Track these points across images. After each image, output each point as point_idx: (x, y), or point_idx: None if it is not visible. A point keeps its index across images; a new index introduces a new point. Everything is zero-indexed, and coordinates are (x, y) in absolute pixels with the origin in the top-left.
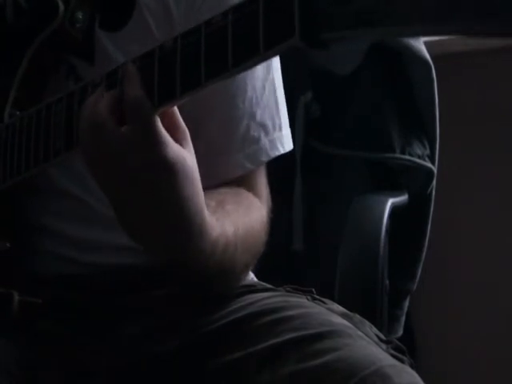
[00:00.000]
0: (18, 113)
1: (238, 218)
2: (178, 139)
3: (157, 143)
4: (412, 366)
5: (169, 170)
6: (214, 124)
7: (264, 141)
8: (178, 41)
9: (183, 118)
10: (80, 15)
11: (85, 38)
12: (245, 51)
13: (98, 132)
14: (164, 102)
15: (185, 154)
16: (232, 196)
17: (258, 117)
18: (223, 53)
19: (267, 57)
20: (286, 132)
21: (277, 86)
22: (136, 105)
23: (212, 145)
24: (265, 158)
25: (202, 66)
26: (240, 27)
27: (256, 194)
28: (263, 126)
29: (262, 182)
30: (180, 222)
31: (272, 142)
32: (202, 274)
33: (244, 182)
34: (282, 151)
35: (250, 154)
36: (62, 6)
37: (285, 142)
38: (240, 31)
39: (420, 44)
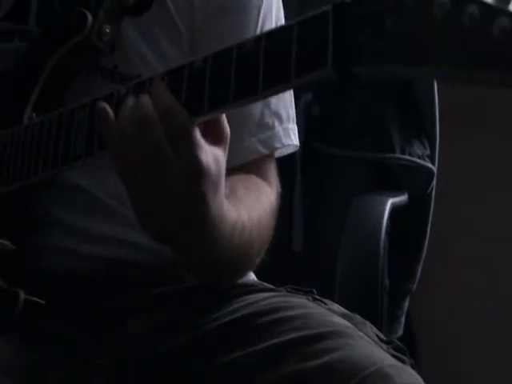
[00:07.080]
0: (34, 115)
1: (249, 204)
2: (215, 140)
3: (191, 147)
4: (413, 366)
5: (199, 172)
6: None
7: (278, 128)
8: (208, 60)
9: None
10: (107, 29)
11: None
12: (275, 77)
13: (143, 125)
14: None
15: (214, 157)
16: (242, 182)
17: (273, 106)
18: (253, 77)
19: (297, 84)
20: (295, 127)
21: None
22: (168, 113)
23: None
24: (278, 144)
25: (231, 87)
26: (272, 53)
27: (266, 180)
28: (277, 115)
29: (272, 169)
30: (200, 216)
31: (286, 131)
32: (220, 261)
33: (255, 168)
34: (295, 142)
35: (263, 139)
36: (90, 19)
37: (296, 135)
38: (272, 57)
39: None
